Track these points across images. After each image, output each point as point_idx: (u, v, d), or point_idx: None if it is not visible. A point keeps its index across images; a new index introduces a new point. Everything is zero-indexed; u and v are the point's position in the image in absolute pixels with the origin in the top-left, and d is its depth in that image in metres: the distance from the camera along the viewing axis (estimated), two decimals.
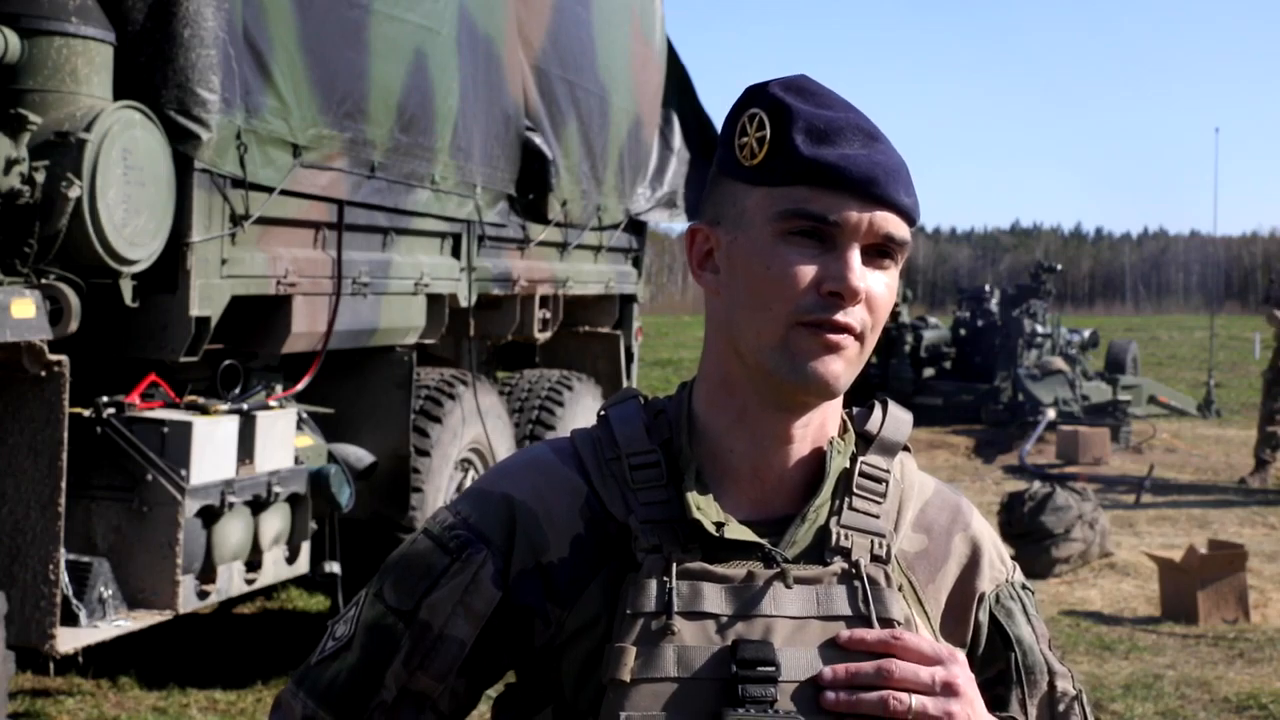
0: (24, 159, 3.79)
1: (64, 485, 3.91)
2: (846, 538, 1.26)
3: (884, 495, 1.31)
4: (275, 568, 4.96)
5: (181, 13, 4.19)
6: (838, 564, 1.25)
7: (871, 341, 1.26)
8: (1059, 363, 15.20)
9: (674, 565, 1.22)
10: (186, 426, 4.42)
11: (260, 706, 5.30)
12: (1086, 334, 16.87)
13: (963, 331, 16.42)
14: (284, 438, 4.96)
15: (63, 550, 3.96)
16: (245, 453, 4.72)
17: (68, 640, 4.06)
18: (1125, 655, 6.34)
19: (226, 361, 4.94)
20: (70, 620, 4.12)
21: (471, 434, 6.15)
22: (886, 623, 1.23)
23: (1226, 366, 23.83)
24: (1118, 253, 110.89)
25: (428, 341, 5.96)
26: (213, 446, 4.51)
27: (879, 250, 1.25)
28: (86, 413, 4.33)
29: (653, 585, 1.21)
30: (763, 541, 1.25)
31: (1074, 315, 58.44)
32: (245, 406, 4.80)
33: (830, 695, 1.19)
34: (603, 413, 1.34)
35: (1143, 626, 6.85)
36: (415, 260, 5.67)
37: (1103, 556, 8.23)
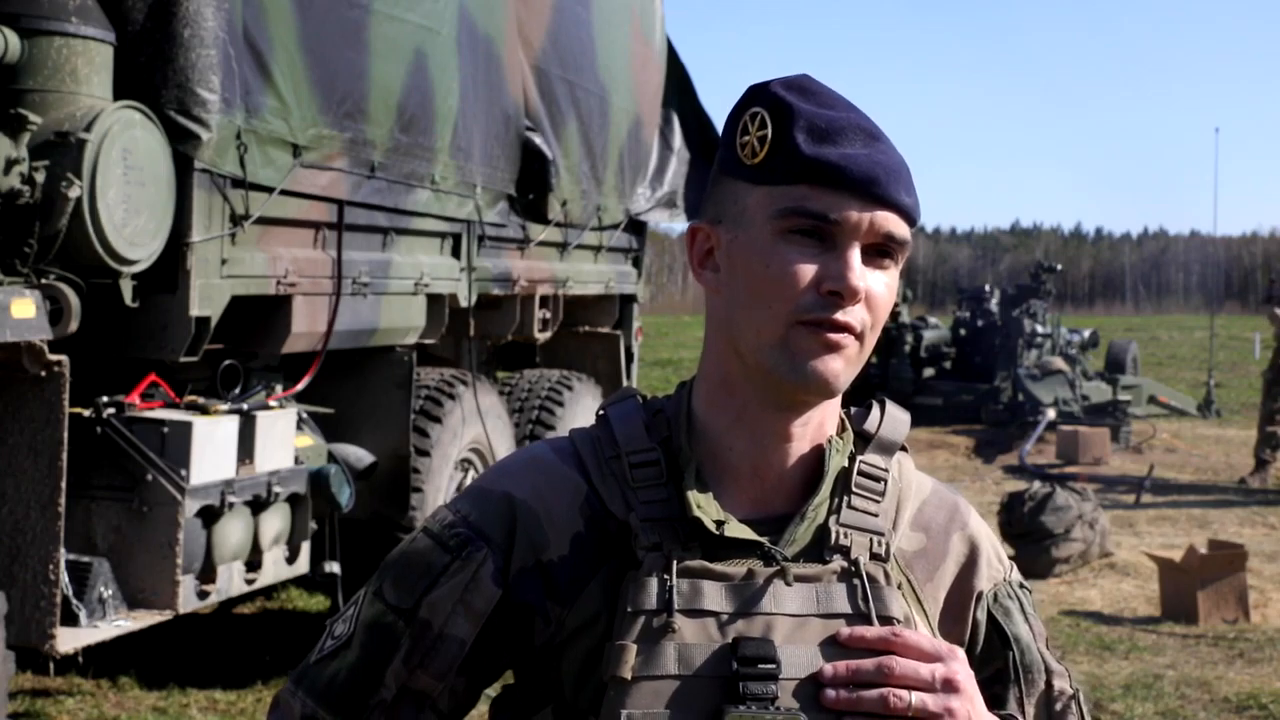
0: (24, 159, 3.79)
1: (64, 485, 3.91)
2: (845, 536, 1.27)
3: (882, 494, 1.31)
4: (275, 568, 4.96)
5: (181, 13, 4.19)
6: (837, 562, 1.25)
7: (871, 341, 1.26)
8: (1059, 363, 15.19)
9: (674, 563, 1.22)
10: (186, 426, 4.43)
11: (260, 706, 5.30)
12: (1086, 334, 16.86)
13: (963, 331, 16.41)
14: (284, 438, 4.97)
15: (63, 550, 3.96)
16: (245, 453, 4.72)
17: (68, 640, 4.06)
18: (1125, 655, 6.34)
19: (226, 361, 4.94)
20: (70, 620, 4.12)
21: (471, 434, 6.15)
22: (886, 620, 1.23)
23: (1226, 366, 23.82)
24: (1118, 253, 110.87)
25: (428, 341, 5.96)
26: (213, 446, 4.52)
27: (879, 250, 1.25)
28: (86, 413, 4.33)
29: (653, 583, 1.21)
30: (762, 540, 1.25)
31: (1074, 315, 58.42)
32: (245, 406, 4.80)
33: (831, 692, 1.19)
34: (602, 412, 1.34)
35: (1143, 626, 6.85)
36: (415, 260, 5.67)
37: (1103, 556, 8.23)
